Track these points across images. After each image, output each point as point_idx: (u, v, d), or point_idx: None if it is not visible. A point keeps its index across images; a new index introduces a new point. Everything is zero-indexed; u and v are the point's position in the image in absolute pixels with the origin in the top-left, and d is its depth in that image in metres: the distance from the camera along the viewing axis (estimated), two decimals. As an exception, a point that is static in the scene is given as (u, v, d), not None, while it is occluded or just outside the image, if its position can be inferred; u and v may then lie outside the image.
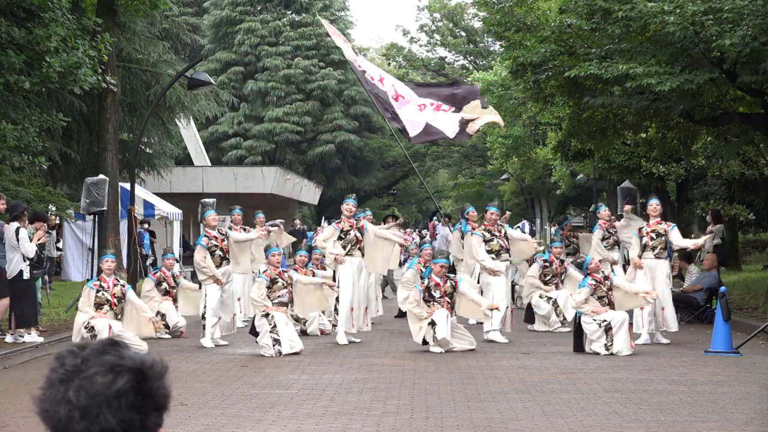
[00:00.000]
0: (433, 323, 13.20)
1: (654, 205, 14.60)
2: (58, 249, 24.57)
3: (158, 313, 15.43)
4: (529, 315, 16.51)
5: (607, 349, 12.76)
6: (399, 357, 12.80)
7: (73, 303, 17.91)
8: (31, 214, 14.95)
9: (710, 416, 8.53)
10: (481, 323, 15.45)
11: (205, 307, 14.16)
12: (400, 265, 20.61)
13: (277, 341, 12.80)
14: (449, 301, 13.51)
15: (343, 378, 10.83)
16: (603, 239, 16.99)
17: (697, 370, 11.39)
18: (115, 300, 13.31)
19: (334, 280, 14.84)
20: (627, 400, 9.29)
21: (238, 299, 17.43)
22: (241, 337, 14.66)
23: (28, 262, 13.95)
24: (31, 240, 13.89)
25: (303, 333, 15.13)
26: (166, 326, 15.44)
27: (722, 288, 14.11)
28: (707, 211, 21.62)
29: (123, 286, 13.59)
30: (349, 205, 14.73)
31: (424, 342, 13.37)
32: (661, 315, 14.17)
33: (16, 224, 13.82)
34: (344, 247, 14.51)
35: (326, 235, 14.76)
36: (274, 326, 12.83)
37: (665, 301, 14.21)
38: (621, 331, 12.86)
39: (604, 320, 12.92)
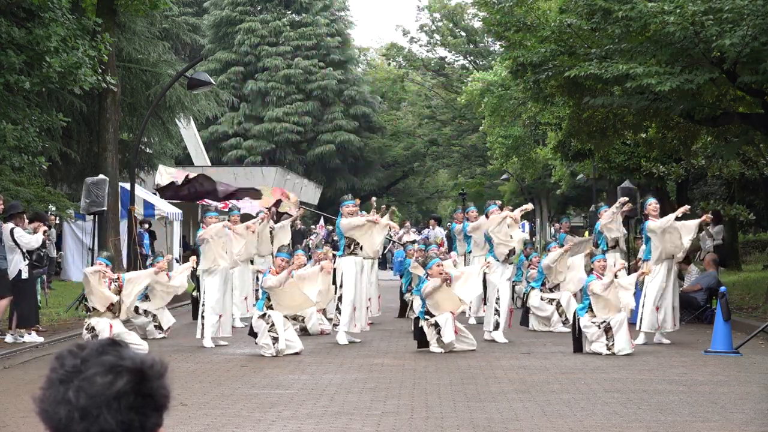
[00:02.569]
0: (437, 325, 13.17)
1: (654, 204, 14.58)
2: (58, 248, 24.58)
3: (146, 312, 15.42)
4: (525, 318, 16.53)
5: (609, 349, 12.76)
6: (399, 357, 12.79)
7: (73, 303, 17.90)
8: (32, 214, 14.96)
9: (710, 416, 8.53)
10: (481, 323, 15.45)
11: (203, 305, 14.15)
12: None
13: (275, 339, 12.77)
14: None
15: (343, 378, 10.82)
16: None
17: (697, 370, 11.39)
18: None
19: (334, 279, 14.83)
20: (627, 400, 9.29)
21: (245, 298, 17.46)
22: (241, 337, 14.65)
23: (27, 262, 13.95)
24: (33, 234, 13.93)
25: (303, 330, 15.16)
26: (160, 328, 15.41)
27: (722, 288, 14.11)
28: (707, 212, 21.59)
29: (117, 279, 13.25)
30: (349, 207, 14.69)
31: (423, 344, 13.35)
32: (672, 313, 14.19)
33: (11, 224, 13.83)
34: (349, 246, 14.51)
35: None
36: (272, 325, 12.81)
37: (676, 299, 14.34)
38: (621, 331, 12.85)
39: (603, 321, 12.92)
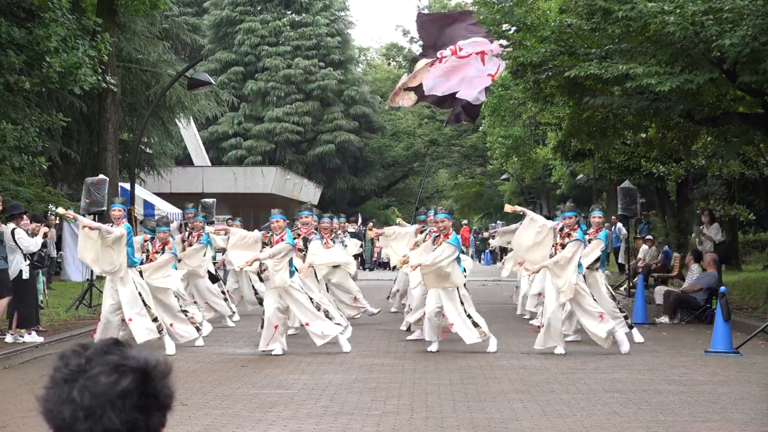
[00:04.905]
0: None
1: (596, 217, 14.42)
2: (58, 248, 24.59)
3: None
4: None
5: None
6: (399, 357, 12.80)
7: (74, 303, 17.91)
8: (30, 216, 14.97)
9: (710, 416, 8.53)
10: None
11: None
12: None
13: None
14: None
15: (343, 378, 10.83)
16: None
17: (697, 370, 11.40)
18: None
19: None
20: (627, 400, 9.29)
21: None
22: (241, 337, 14.66)
23: (28, 262, 13.95)
24: (34, 236, 13.94)
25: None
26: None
27: (722, 288, 14.12)
28: (703, 211, 21.58)
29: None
30: (303, 218, 15.10)
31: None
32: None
33: (12, 225, 13.83)
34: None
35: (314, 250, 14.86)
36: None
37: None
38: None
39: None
